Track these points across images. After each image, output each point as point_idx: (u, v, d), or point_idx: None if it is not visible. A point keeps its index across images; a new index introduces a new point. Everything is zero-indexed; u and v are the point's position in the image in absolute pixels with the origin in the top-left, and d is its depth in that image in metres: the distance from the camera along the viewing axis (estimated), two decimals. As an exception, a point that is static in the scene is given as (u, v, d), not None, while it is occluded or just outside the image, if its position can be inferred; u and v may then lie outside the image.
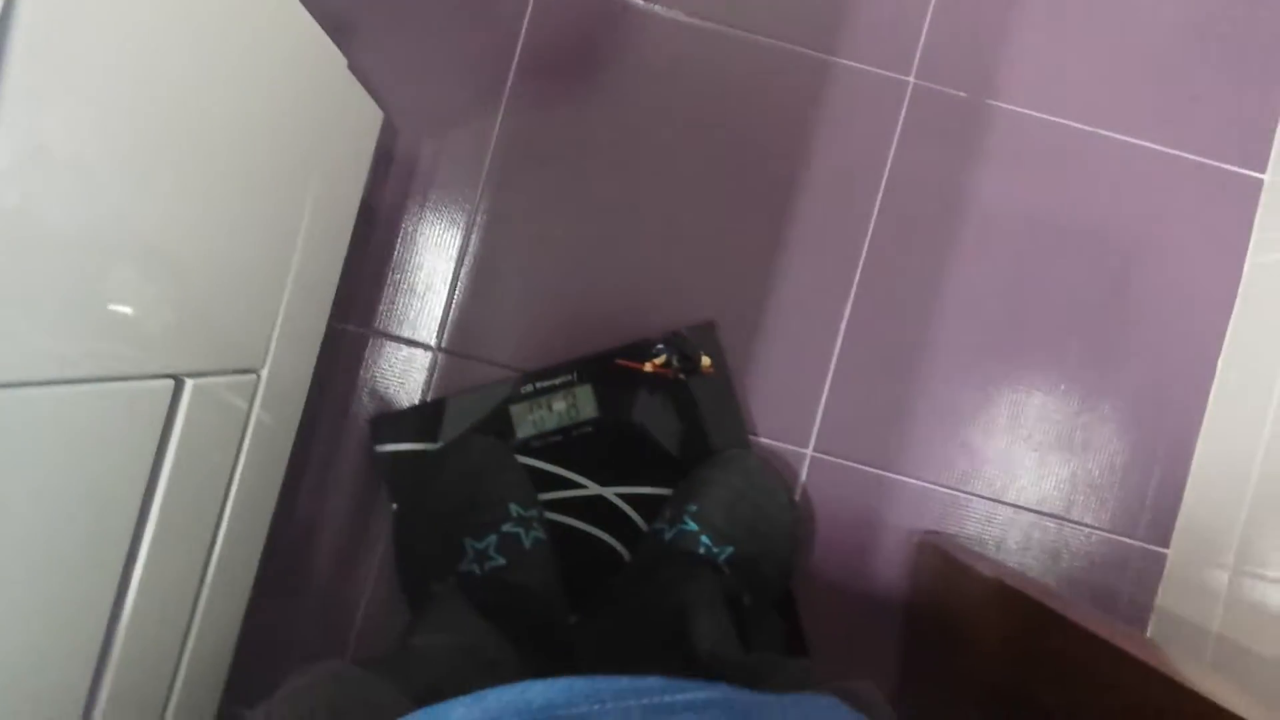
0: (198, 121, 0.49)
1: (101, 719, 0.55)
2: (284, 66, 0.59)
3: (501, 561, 0.83)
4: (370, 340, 0.94)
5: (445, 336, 0.95)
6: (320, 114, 0.67)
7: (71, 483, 0.47)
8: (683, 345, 0.93)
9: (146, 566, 0.55)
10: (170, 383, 0.53)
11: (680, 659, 0.72)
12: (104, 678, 0.55)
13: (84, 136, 0.40)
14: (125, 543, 0.54)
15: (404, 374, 0.95)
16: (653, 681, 0.41)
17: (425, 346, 0.95)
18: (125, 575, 0.55)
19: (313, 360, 0.83)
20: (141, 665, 0.59)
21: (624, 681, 0.41)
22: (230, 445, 0.65)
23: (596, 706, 0.40)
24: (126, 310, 0.47)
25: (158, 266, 0.48)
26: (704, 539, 0.86)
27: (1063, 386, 0.95)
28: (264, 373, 0.67)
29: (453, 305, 0.95)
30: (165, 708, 0.66)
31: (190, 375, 0.55)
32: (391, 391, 0.95)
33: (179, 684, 0.67)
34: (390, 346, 0.95)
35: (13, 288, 0.39)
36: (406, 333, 0.95)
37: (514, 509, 0.86)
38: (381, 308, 0.95)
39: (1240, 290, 0.94)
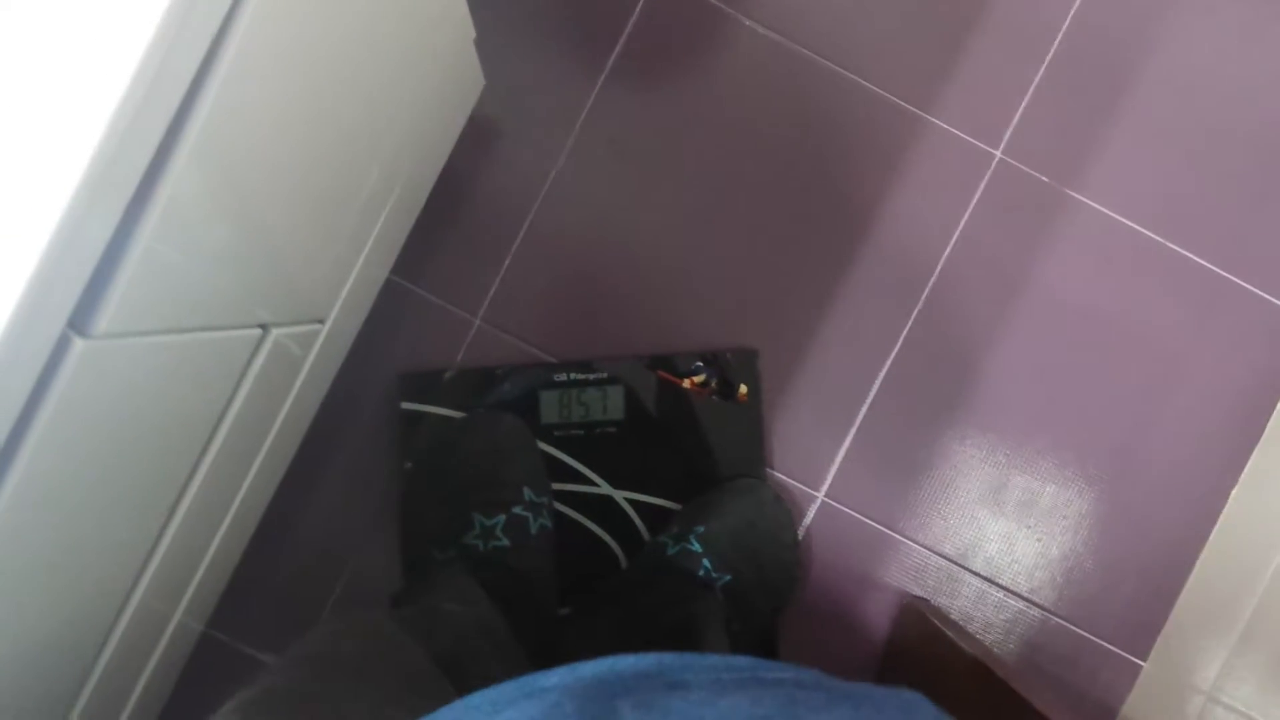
0: (333, 93, 0.48)
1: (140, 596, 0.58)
2: (418, 31, 0.58)
3: (505, 543, 0.83)
4: (413, 296, 0.94)
5: (488, 308, 0.94)
6: (436, 83, 0.66)
7: (160, 418, 0.47)
8: (725, 369, 0.93)
9: (197, 491, 0.56)
10: (259, 331, 0.53)
11: None
12: (147, 571, 0.57)
13: (232, 124, 0.40)
14: (189, 466, 0.55)
15: (440, 336, 0.94)
16: (743, 660, 0.41)
17: (467, 313, 0.94)
18: (179, 498, 0.55)
19: (366, 312, 0.83)
20: (173, 572, 0.62)
21: (715, 658, 0.41)
22: (285, 389, 0.65)
23: (690, 676, 0.39)
24: (238, 269, 0.47)
25: (268, 225, 0.48)
26: (706, 562, 0.87)
27: (1078, 483, 0.96)
28: (329, 323, 0.67)
29: (501, 279, 0.95)
30: (179, 600, 0.68)
31: (275, 325, 0.55)
32: (423, 351, 0.94)
33: (191, 590, 0.68)
34: (432, 306, 0.94)
35: (176, 252, 0.40)
36: (451, 296, 0.94)
37: (527, 493, 0.87)
38: (431, 267, 0.94)
39: (1268, 427, 0.95)
